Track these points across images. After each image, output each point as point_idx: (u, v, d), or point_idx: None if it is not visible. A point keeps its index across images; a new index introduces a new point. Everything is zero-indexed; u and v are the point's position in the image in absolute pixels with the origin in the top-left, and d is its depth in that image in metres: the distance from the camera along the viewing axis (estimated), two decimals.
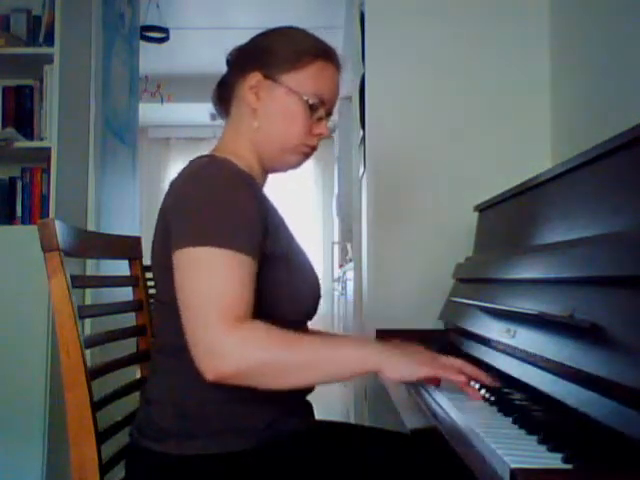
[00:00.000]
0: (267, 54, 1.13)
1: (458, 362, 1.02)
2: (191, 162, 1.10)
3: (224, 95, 1.20)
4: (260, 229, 1.01)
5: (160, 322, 1.12)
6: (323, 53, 1.14)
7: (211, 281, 0.93)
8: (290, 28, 1.18)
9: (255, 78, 1.11)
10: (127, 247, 1.47)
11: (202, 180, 1.02)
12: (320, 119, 1.15)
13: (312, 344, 0.97)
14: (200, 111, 6.76)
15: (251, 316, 0.95)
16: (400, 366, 0.96)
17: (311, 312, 1.14)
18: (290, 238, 1.14)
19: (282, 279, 1.06)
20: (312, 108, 1.12)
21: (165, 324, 1.09)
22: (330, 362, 0.96)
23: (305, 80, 1.12)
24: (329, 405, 3.92)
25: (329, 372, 0.96)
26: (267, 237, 1.03)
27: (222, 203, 0.99)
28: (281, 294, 1.05)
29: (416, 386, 1.14)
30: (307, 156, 1.18)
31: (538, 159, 1.99)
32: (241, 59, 1.17)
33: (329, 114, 1.17)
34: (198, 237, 0.95)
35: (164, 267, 1.04)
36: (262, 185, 1.18)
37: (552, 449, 0.71)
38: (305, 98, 1.11)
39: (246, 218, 0.99)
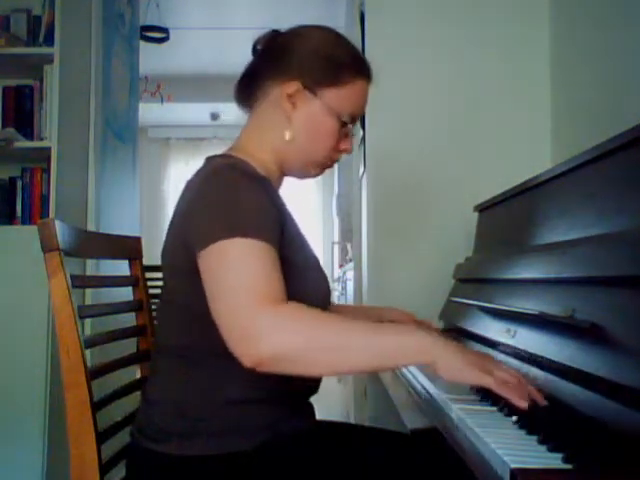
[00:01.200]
0: (309, 63, 1.10)
1: (516, 375, 0.90)
2: (208, 161, 1.09)
3: (249, 88, 1.17)
4: (278, 226, 1.00)
5: (162, 322, 1.11)
6: (363, 71, 1.13)
7: (240, 269, 0.91)
8: (332, 34, 1.15)
9: (295, 87, 1.09)
10: (127, 247, 1.47)
11: (218, 181, 1.00)
12: (346, 135, 1.14)
13: (358, 325, 0.91)
14: (200, 111, 6.77)
15: (286, 299, 0.92)
16: (457, 365, 0.87)
17: None
18: (302, 241, 1.13)
19: (292, 282, 1.05)
20: (343, 125, 1.12)
21: (167, 324, 1.09)
22: (378, 346, 0.88)
23: (343, 98, 1.10)
24: (329, 405, 3.91)
25: (375, 357, 0.89)
26: (283, 242, 1.02)
27: (239, 199, 0.97)
28: (290, 297, 1.05)
29: (416, 386, 1.14)
30: (327, 168, 1.18)
31: (538, 159, 2.00)
32: (279, 59, 1.13)
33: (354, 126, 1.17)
34: (219, 232, 0.93)
35: (175, 267, 1.04)
36: (278, 187, 1.17)
37: (552, 449, 0.71)
38: (341, 117, 1.10)
39: (264, 211, 0.98)
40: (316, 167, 1.16)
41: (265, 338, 0.86)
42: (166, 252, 1.08)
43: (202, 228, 0.97)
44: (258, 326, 0.87)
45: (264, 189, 1.02)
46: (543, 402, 0.89)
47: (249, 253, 0.92)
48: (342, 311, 1.44)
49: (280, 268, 0.95)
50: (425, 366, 1.21)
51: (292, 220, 1.11)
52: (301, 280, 1.06)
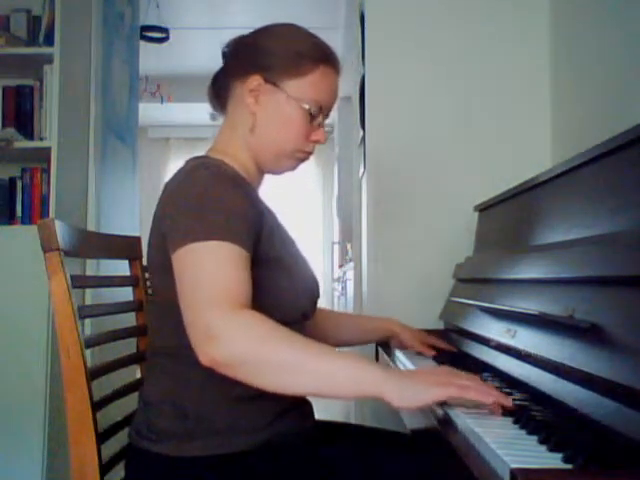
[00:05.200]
0: (269, 56, 1.11)
1: (475, 380, 0.89)
2: (185, 163, 1.10)
3: (220, 91, 1.19)
4: (252, 227, 1.01)
5: (156, 323, 1.12)
6: (325, 58, 1.13)
7: (207, 271, 0.92)
8: (292, 27, 1.16)
9: (256, 81, 1.10)
10: (127, 247, 1.47)
11: (193, 183, 1.02)
12: (318, 125, 1.15)
13: (314, 349, 0.90)
14: (200, 111, 6.76)
15: (250, 306, 0.93)
16: (407, 392, 0.85)
17: (308, 313, 1.14)
18: (286, 239, 1.14)
19: (277, 281, 1.05)
20: (311, 115, 1.12)
21: (161, 325, 1.09)
22: (330, 373, 0.88)
23: (306, 87, 1.11)
24: (329, 405, 3.91)
25: (326, 384, 0.88)
26: (261, 239, 1.03)
27: (211, 200, 0.98)
28: (276, 297, 1.05)
29: None
30: (302, 161, 1.18)
31: (538, 159, 1.99)
32: (240, 57, 1.15)
33: (326, 117, 1.17)
34: (191, 235, 0.95)
35: (160, 268, 1.04)
36: (257, 186, 1.18)
37: (552, 449, 0.71)
38: (305, 107, 1.11)
39: (236, 213, 0.98)
40: (289, 159, 1.15)
41: (223, 340, 0.87)
42: (150, 253, 1.09)
43: (175, 229, 0.99)
44: (220, 327, 0.88)
45: (239, 188, 1.03)
46: (510, 404, 0.86)
47: (215, 255, 0.93)
48: (335, 320, 1.43)
49: (250, 273, 0.96)
50: (423, 365, 1.22)
51: (273, 217, 1.12)
52: (288, 275, 1.07)
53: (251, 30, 1.19)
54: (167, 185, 1.07)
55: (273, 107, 1.11)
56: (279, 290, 1.06)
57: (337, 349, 0.96)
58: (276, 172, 1.19)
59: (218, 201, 0.99)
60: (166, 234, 1.01)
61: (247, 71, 1.12)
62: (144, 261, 1.46)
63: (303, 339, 0.92)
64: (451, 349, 1.46)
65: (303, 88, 1.11)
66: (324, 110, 1.14)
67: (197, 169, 1.04)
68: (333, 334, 1.40)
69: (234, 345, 0.87)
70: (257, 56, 1.12)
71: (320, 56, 1.12)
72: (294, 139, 1.12)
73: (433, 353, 1.40)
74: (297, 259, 1.14)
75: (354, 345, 1.53)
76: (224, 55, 1.19)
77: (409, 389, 0.85)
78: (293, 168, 1.19)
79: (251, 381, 0.89)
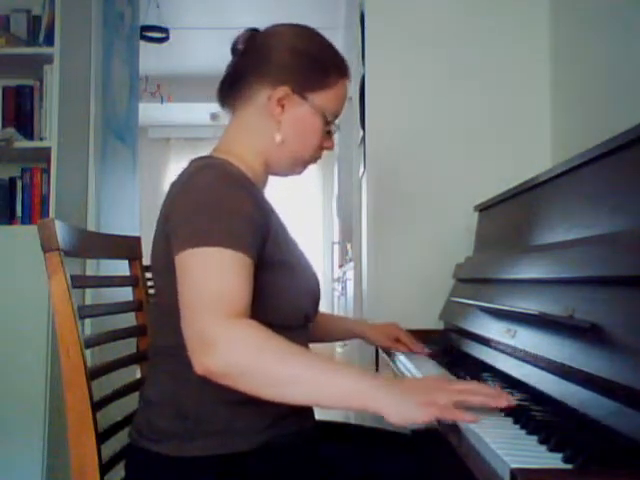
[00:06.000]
0: (297, 67, 1.12)
1: (468, 391, 0.87)
2: (190, 163, 1.10)
3: (233, 89, 1.16)
4: (258, 230, 1.00)
5: (158, 324, 1.12)
6: (345, 71, 1.16)
7: (207, 278, 0.92)
8: (313, 33, 1.17)
9: (283, 91, 1.10)
10: (127, 247, 1.47)
11: (198, 184, 1.01)
12: (329, 132, 1.17)
13: (309, 360, 0.89)
14: (200, 111, 6.78)
15: (248, 315, 0.92)
16: (401, 408, 0.83)
17: (310, 315, 1.14)
18: (290, 241, 1.14)
19: (282, 284, 1.05)
20: (326, 123, 1.15)
21: (162, 326, 1.09)
22: (324, 386, 0.87)
23: (329, 99, 1.14)
24: None
25: (320, 396, 0.87)
26: (267, 241, 1.02)
27: (217, 204, 0.98)
28: (280, 299, 1.05)
29: None
30: (310, 165, 1.21)
31: (538, 159, 2.00)
32: (265, 62, 1.13)
33: None
34: (194, 239, 0.95)
35: (163, 270, 1.04)
36: (263, 187, 1.18)
37: (552, 449, 0.71)
38: (328, 118, 1.14)
39: (241, 218, 0.98)
40: (302, 165, 1.19)
41: (219, 349, 0.86)
42: (153, 254, 1.09)
43: (178, 231, 0.98)
44: (216, 337, 0.87)
45: (245, 189, 1.03)
46: (503, 405, 0.84)
47: (217, 262, 0.93)
48: (326, 322, 1.44)
49: (251, 280, 0.95)
50: (423, 365, 1.22)
51: (278, 220, 1.12)
52: (291, 277, 1.07)
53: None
54: (172, 186, 1.07)
55: (298, 117, 1.12)
56: (282, 292, 1.05)
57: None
58: (283, 176, 1.21)
59: (222, 203, 0.98)
60: (169, 236, 1.00)
61: (273, 79, 1.11)
62: (144, 261, 1.47)
63: (300, 349, 0.90)
64: (413, 348, 1.45)
65: (326, 100, 1.13)
66: (336, 118, 1.18)
67: (202, 170, 1.04)
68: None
69: (230, 355, 0.87)
70: (283, 65, 1.12)
71: (342, 69, 1.16)
72: (315, 148, 1.16)
73: (404, 348, 1.45)
74: (300, 260, 1.14)
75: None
76: (235, 51, 1.18)
77: (404, 406, 0.84)
78: (301, 172, 1.22)
79: (247, 391, 0.89)
